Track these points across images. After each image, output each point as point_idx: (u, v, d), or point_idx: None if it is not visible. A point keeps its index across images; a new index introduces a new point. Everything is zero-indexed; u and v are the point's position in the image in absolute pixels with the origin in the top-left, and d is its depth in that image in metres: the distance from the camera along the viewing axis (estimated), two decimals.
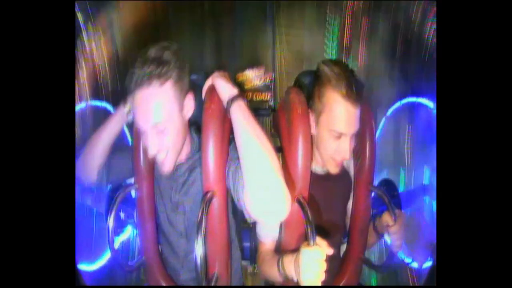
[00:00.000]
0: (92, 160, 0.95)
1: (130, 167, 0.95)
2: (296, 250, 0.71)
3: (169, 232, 0.95)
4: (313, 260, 0.65)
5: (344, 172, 1.01)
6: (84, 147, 0.96)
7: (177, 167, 0.91)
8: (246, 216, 0.79)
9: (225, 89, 0.78)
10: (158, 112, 0.78)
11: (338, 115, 0.84)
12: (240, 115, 0.74)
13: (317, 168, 0.96)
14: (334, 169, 0.91)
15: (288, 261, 0.74)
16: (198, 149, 0.89)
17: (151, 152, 0.81)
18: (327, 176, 0.95)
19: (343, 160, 0.90)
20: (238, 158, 0.74)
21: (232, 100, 0.76)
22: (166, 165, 0.84)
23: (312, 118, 0.89)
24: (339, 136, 0.86)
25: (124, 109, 0.96)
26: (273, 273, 0.81)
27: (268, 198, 0.68)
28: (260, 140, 0.70)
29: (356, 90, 0.83)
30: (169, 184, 0.93)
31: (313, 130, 0.90)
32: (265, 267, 0.88)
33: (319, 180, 0.93)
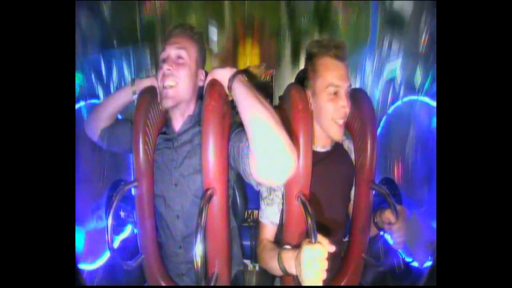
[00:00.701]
0: (96, 121, 1.05)
1: (128, 140, 0.99)
2: (297, 246, 0.71)
3: (167, 215, 0.97)
4: (314, 258, 0.65)
5: (344, 152, 1.04)
6: (94, 108, 1.09)
7: (177, 135, 0.97)
8: (253, 184, 0.82)
9: (224, 72, 0.83)
10: (183, 48, 0.93)
11: (330, 71, 0.92)
12: (242, 86, 0.78)
13: (318, 147, 0.98)
14: (338, 135, 0.94)
15: (289, 257, 0.74)
16: (198, 122, 0.95)
17: (165, 71, 0.91)
18: (328, 154, 0.98)
19: (345, 117, 0.93)
20: (239, 138, 0.78)
21: (233, 77, 0.80)
22: (169, 97, 0.92)
23: (309, 94, 0.94)
24: (335, 91, 0.91)
25: (131, 88, 1.02)
26: (272, 265, 0.82)
27: (274, 155, 0.69)
28: (262, 104, 0.72)
29: (343, 50, 0.93)
30: (170, 156, 0.96)
31: (312, 106, 0.94)
32: (265, 257, 0.89)
33: (320, 159, 0.95)
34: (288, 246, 0.80)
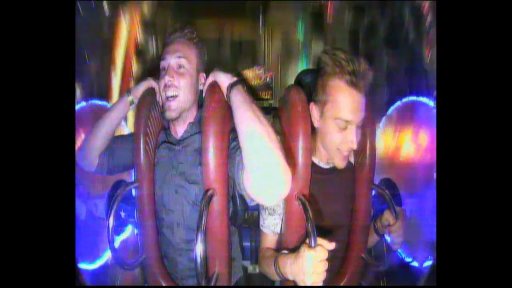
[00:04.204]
0: (93, 146, 0.98)
1: (130, 154, 0.97)
2: (295, 249, 0.71)
3: (167, 221, 0.96)
4: (317, 261, 0.65)
5: (350, 166, 0.98)
6: (86, 134, 1.00)
7: (178, 142, 0.97)
8: (247, 200, 0.80)
9: (225, 78, 0.83)
10: (183, 56, 0.93)
11: (343, 102, 0.81)
12: (239, 98, 0.76)
13: (322, 163, 0.94)
14: (340, 163, 0.88)
15: (284, 264, 0.74)
16: (199, 129, 0.94)
17: (167, 82, 0.91)
18: (333, 170, 0.93)
19: (350, 151, 0.86)
20: (239, 146, 0.75)
21: (231, 86, 0.80)
22: (172, 108, 0.92)
23: (316, 110, 0.88)
24: (345, 125, 0.83)
25: (127, 99, 1.00)
26: (270, 272, 0.82)
27: (267, 176, 0.68)
28: (259, 119, 0.70)
29: (360, 76, 0.80)
30: (170, 163, 0.96)
31: (318, 123, 0.88)
32: (263, 264, 0.88)
33: (324, 174, 0.92)
34: (285, 251, 0.79)
